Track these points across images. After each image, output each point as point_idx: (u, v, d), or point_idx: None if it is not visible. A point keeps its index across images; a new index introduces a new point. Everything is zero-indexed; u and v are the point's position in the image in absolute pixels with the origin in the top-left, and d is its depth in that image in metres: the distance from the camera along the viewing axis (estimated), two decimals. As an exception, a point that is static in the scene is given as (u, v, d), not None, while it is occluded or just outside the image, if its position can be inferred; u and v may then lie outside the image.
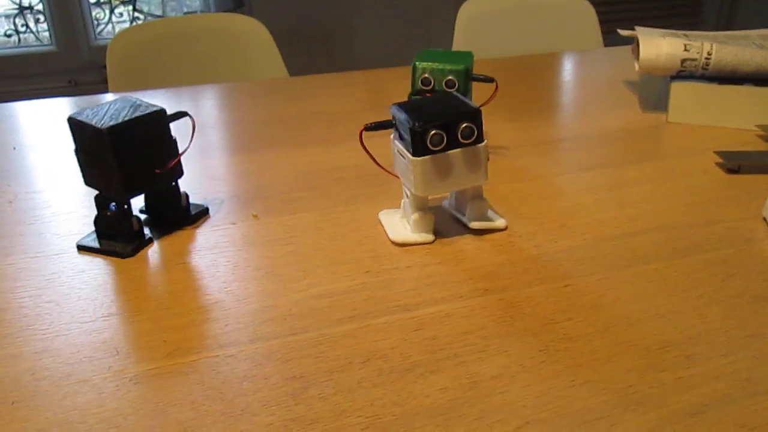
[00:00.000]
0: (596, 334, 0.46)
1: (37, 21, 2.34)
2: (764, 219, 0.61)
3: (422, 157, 0.53)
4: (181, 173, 0.61)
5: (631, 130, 0.85)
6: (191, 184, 0.70)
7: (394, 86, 1.07)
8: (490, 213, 0.61)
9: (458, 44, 1.36)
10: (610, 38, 1.24)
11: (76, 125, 0.55)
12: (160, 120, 0.57)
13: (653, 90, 1.00)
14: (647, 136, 0.83)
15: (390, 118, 0.57)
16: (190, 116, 0.60)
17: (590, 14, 1.43)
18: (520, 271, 0.54)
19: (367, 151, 0.57)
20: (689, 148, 0.78)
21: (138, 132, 0.55)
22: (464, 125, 0.54)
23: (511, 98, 0.99)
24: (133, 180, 0.56)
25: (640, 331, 0.46)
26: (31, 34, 2.32)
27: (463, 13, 1.37)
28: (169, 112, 0.58)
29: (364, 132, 0.56)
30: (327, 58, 2.21)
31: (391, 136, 0.58)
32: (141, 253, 0.57)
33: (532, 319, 0.48)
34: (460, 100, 0.57)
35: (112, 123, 0.54)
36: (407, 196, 0.58)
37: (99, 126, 0.54)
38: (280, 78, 1.27)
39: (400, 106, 0.56)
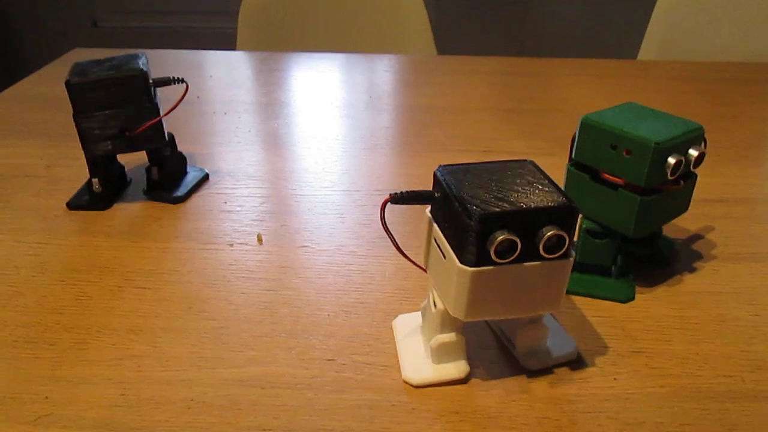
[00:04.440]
0: None
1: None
2: None
3: (477, 269, 0.34)
4: (158, 141, 0.55)
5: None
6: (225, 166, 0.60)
7: (546, 83, 0.87)
8: (553, 339, 0.41)
9: (652, 34, 1.09)
10: None
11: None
12: (134, 82, 0.52)
13: None
14: None
15: (428, 185, 0.38)
16: (179, 82, 0.55)
17: None
18: None
19: (388, 232, 0.37)
20: None
21: (104, 91, 0.52)
22: (551, 233, 0.33)
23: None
24: (94, 137, 0.54)
25: None
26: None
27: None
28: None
29: (389, 204, 0.37)
30: (502, 35, 1.94)
31: (427, 210, 0.38)
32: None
33: None
34: (547, 181, 0.36)
35: (77, 79, 0.51)
36: (433, 304, 0.39)
37: (68, 79, 0.52)
38: (421, 55, 1.12)
39: (455, 173, 0.36)
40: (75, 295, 0.45)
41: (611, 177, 0.43)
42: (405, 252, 0.38)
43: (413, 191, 0.37)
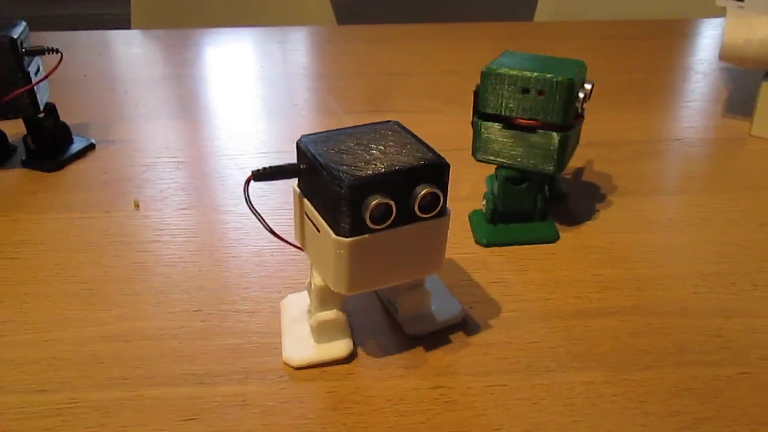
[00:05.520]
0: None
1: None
2: (813, 321, 0.40)
3: (354, 238, 0.32)
4: (27, 110, 0.55)
5: (695, 141, 0.62)
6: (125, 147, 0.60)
7: (442, 47, 0.89)
8: (438, 302, 0.40)
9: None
10: None
11: None
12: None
13: (750, 87, 0.74)
14: (714, 152, 0.60)
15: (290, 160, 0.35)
16: (54, 52, 0.54)
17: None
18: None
19: (254, 211, 0.35)
20: (760, 181, 0.55)
21: None
22: (425, 191, 0.33)
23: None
24: None
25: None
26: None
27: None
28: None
29: (251, 182, 0.34)
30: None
31: (294, 184, 0.36)
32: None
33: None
34: (413, 139, 0.35)
35: None
36: (312, 283, 0.37)
37: None
38: (320, 26, 1.12)
39: (317, 141, 0.35)
40: (-62, 270, 0.45)
41: (526, 121, 0.44)
42: (277, 232, 0.36)
43: (276, 166, 0.35)
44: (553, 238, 0.47)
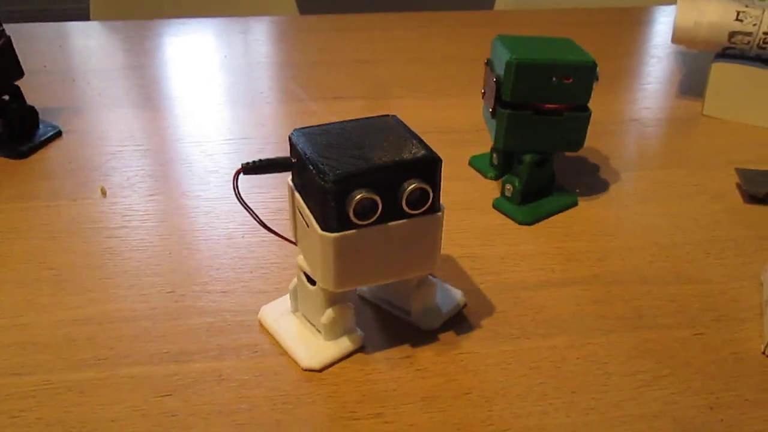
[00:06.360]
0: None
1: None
2: (761, 283, 0.42)
3: (340, 234, 0.32)
4: None
5: (651, 121, 0.64)
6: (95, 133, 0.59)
7: (404, 35, 0.90)
8: (440, 292, 0.40)
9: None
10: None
11: None
12: None
13: (701, 70, 0.77)
14: (669, 132, 0.63)
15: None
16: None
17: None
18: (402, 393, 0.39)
19: (244, 204, 0.35)
20: (711, 158, 0.58)
21: None
22: (413, 186, 0.32)
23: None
24: None
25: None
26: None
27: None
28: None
29: (241, 175, 0.34)
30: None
31: (289, 178, 0.36)
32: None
33: None
34: (408, 134, 0.34)
35: None
36: (306, 279, 0.37)
37: None
38: (282, 16, 1.12)
39: (307, 135, 0.34)
40: None
41: (555, 106, 0.46)
42: (270, 226, 0.36)
43: (267, 159, 0.34)
44: (575, 203, 0.50)
